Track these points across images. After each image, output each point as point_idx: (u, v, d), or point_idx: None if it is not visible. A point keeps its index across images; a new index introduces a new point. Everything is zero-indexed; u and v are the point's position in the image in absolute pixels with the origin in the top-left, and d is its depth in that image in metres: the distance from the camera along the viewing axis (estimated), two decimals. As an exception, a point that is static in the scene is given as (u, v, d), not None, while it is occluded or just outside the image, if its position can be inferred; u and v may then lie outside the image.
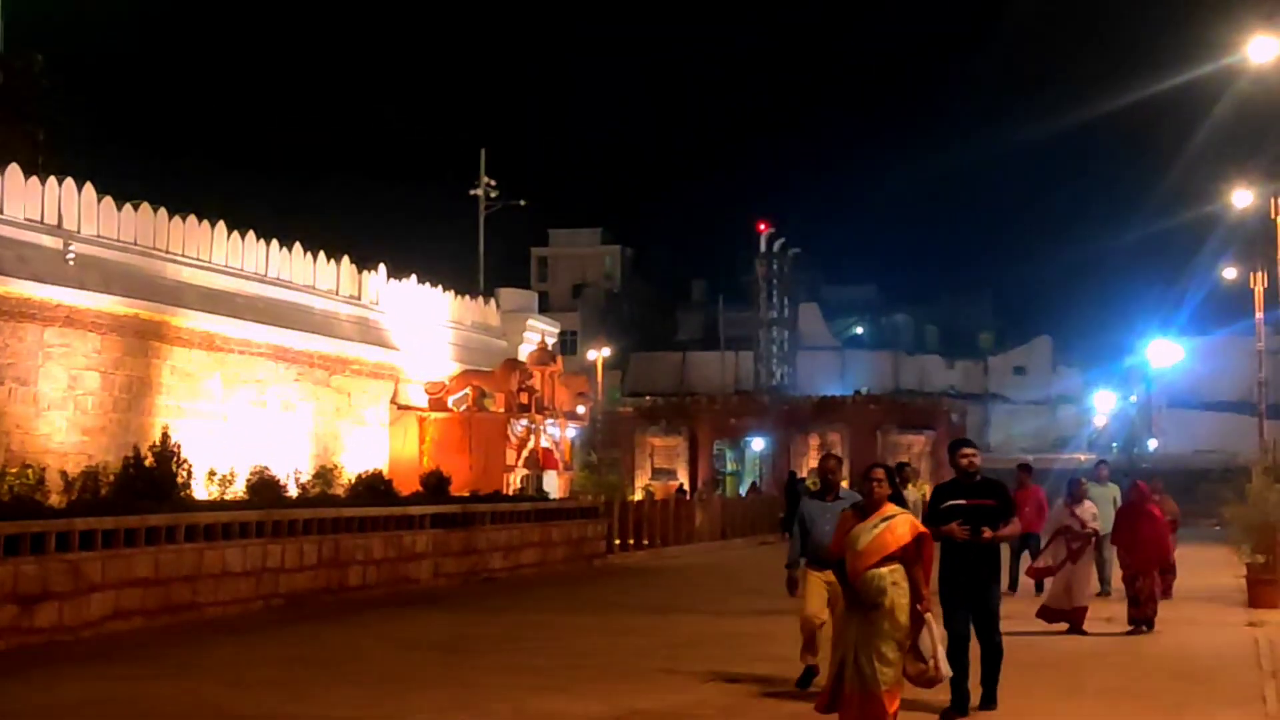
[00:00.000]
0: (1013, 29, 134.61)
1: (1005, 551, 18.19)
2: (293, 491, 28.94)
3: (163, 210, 30.45)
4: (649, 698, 15.03)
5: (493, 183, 57.79)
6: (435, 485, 32.36)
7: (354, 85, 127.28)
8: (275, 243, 34.25)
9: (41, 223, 26.99)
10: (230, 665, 17.35)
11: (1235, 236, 52.03)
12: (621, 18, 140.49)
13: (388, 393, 38.35)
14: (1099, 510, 22.12)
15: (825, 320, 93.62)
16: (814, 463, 58.24)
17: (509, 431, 39.49)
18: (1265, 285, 41.29)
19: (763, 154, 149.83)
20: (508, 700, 14.85)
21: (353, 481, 31.58)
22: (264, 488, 27.39)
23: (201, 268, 31.41)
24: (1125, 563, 21.18)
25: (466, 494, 33.14)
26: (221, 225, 32.30)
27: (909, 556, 11.55)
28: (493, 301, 47.09)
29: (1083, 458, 63.56)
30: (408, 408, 38.92)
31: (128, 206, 29.43)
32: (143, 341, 29.10)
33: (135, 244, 29.35)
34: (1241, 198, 42.17)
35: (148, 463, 24.48)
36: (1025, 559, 24.24)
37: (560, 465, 42.58)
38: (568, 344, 70.16)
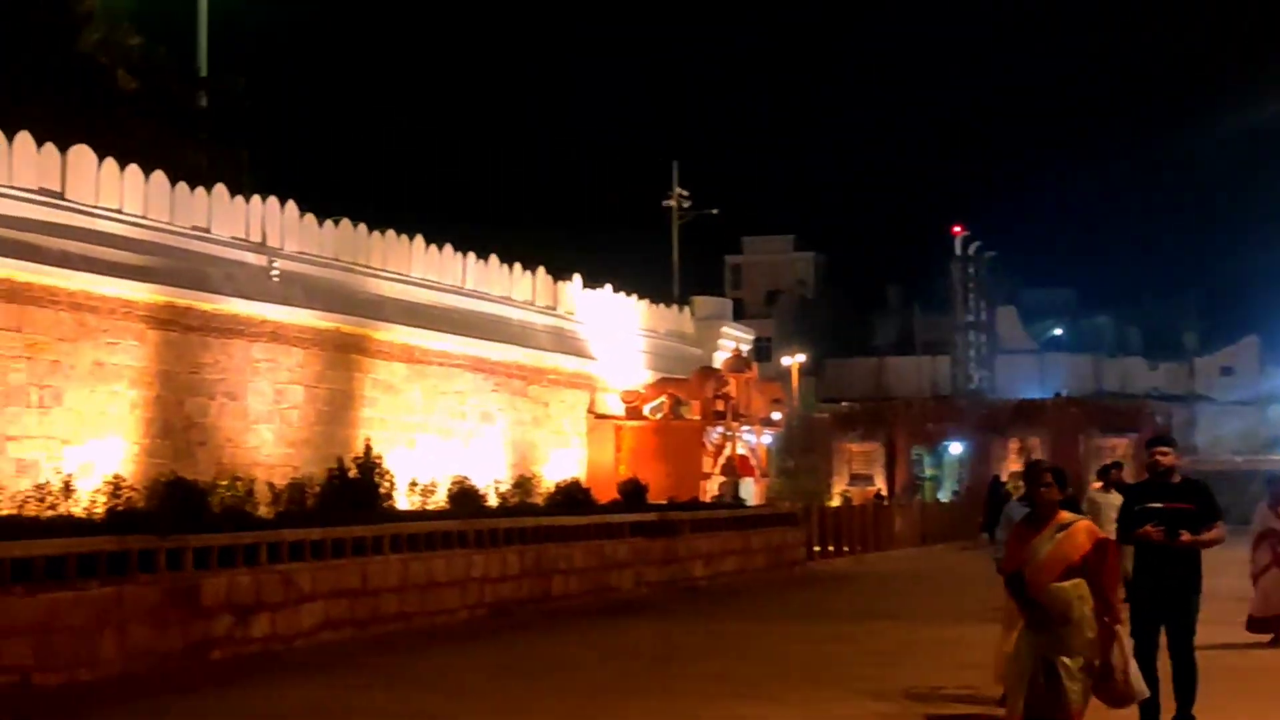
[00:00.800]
0: (1208, 18, 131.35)
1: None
2: (492, 501, 29.18)
3: (362, 225, 30.94)
4: (852, 706, 14.87)
5: (685, 193, 57.98)
6: (633, 493, 32.42)
7: (549, 99, 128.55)
8: (472, 255, 34.62)
9: (246, 241, 27.56)
10: (440, 674, 17.51)
11: None
12: (814, 27, 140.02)
13: (584, 402, 38.54)
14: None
15: (1023, 323, 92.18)
16: (1015, 466, 57.39)
17: (705, 439, 39.47)
18: None
19: (956, 156, 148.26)
20: (716, 708, 14.80)
21: (551, 491, 31.76)
22: (465, 498, 27.64)
23: (401, 281, 31.84)
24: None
25: (664, 502, 33.15)
26: (419, 239, 32.74)
27: (1091, 566, 10.60)
28: (687, 309, 47.14)
29: (1294, 459, 61.75)
30: (604, 416, 39.08)
31: (329, 223, 29.95)
32: (344, 355, 29.57)
33: (336, 259, 29.84)
34: None
35: (351, 474, 24.83)
36: None
37: (757, 472, 42.46)
38: (762, 351, 69.81)
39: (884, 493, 65.48)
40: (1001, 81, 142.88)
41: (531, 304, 36.94)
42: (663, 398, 40.24)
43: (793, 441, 61.84)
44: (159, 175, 25.46)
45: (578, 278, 39.30)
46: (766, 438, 44.74)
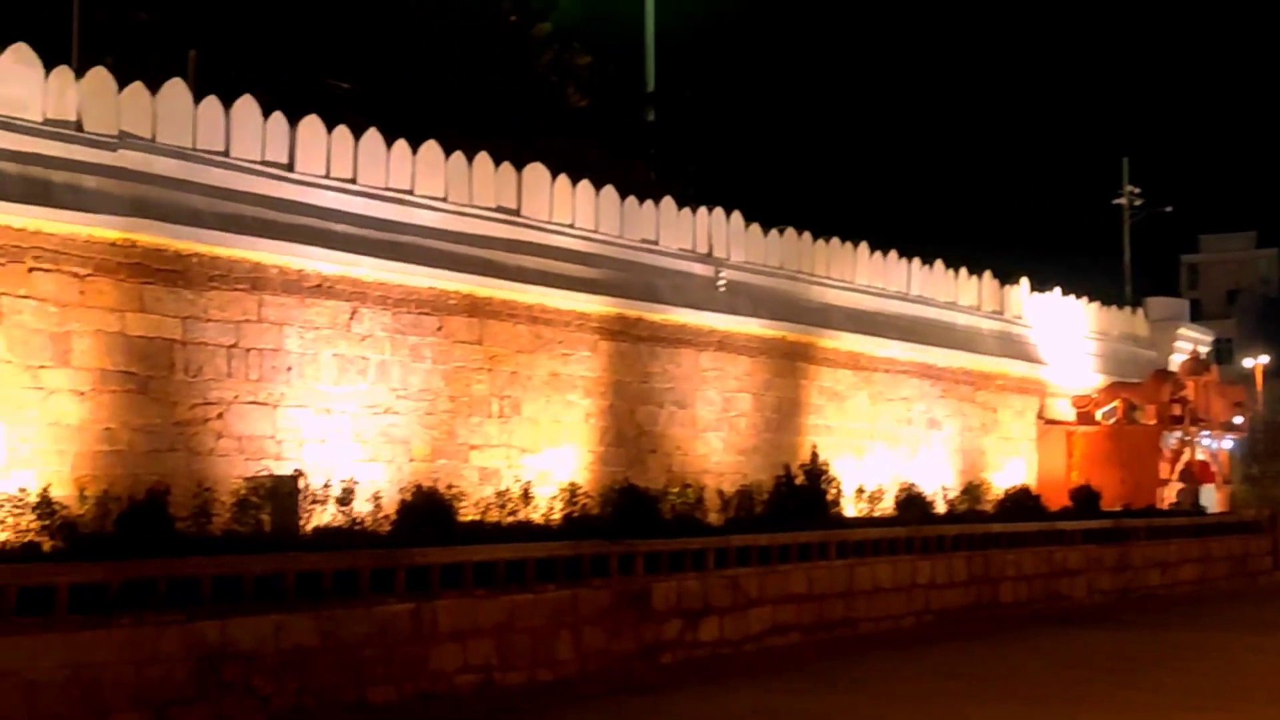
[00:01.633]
0: None
1: None
2: (940, 508, 28.98)
3: (806, 234, 31.11)
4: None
5: (1136, 190, 56.30)
6: (1085, 500, 31.70)
7: (989, 98, 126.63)
8: (916, 261, 34.41)
9: (693, 252, 28.09)
10: (884, 680, 17.52)
11: None
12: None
13: (1032, 407, 37.83)
14: None
15: None
16: None
17: (1161, 444, 38.20)
18: None
19: None
20: (1169, 723, 14.36)
21: (1000, 497, 31.34)
22: (912, 504, 27.55)
23: (846, 288, 31.89)
24: None
25: (1118, 509, 32.27)
26: (864, 246, 32.72)
27: None
28: (1140, 311, 45.70)
29: None
30: (1054, 422, 38.26)
31: (773, 232, 30.21)
32: (790, 363, 29.82)
33: (781, 268, 30.09)
34: None
35: (798, 481, 25.04)
36: None
37: (1218, 478, 40.85)
38: (1223, 353, 67.03)
39: (1359, 499, 61.93)
40: None
41: (978, 309, 36.46)
42: (1116, 402, 39.11)
43: (1258, 447, 59.21)
44: (609, 190, 26.21)
45: (1025, 281, 38.57)
46: (1228, 443, 42.96)
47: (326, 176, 20.92)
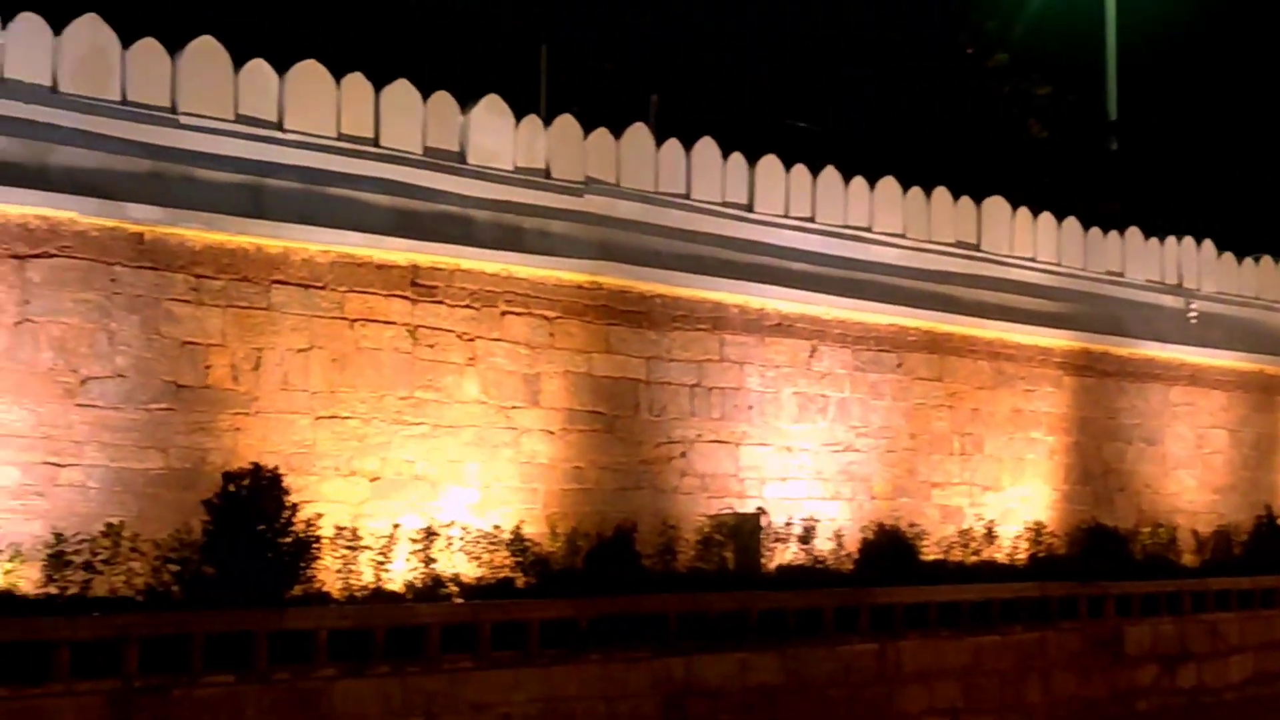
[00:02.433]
0: None
1: None
2: None
3: (1283, 262, 29.66)
4: None
5: None
6: None
7: None
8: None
9: (1162, 283, 27.12)
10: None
11: None
12: None
13: None
14: None
15: None
16: None
17: None
18: None
19: None
20: None
21: None
22: None
23: (1329, 319, 30.24)
24: None
25: None
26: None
27: None
28: None
29: None
30: None
31: (1248, 260, 28.92)
32: (1269, 397, 28.43)
33: (1257, 299, 28.77)
34: None
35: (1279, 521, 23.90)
36: None
37: None
38: None
39: None
40: None
41: None
42: None
43: None
44: (1071, 222, 25.55)
45: None
46: None
47: (785, 215, 21.01)
